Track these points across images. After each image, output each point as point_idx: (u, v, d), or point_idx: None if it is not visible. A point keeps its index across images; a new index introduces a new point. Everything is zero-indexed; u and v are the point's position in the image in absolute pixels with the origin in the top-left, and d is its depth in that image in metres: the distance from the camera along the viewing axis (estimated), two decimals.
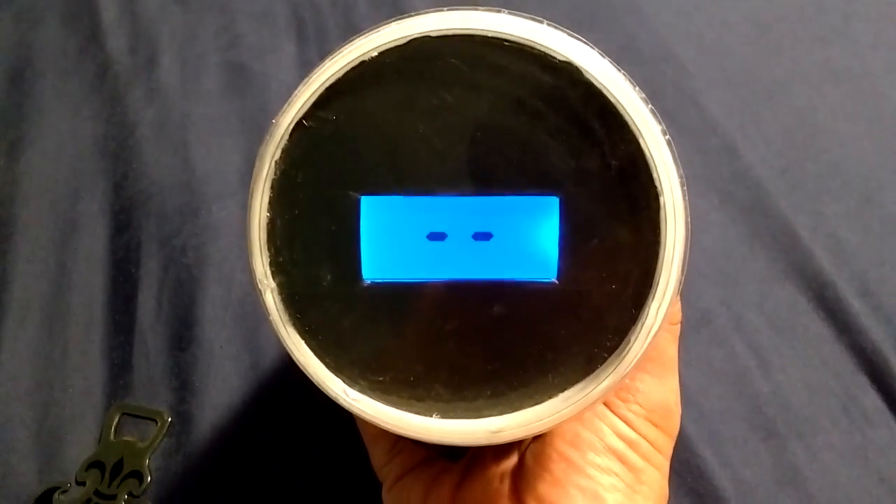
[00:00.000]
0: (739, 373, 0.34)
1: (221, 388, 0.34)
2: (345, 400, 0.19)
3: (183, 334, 0.35)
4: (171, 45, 0.45)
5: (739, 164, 0.40)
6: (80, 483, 0.32)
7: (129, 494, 0.32)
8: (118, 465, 0.32)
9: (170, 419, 0.33)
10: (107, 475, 0.32)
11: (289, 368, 0.34)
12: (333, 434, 0.32)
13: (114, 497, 0.32)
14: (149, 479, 0.32)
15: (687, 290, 0.36)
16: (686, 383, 0.34)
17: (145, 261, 0.38)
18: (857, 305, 0.35)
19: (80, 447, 0.33)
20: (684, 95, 0.42)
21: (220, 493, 0.32)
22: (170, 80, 0.44)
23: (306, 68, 0.45)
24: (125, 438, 0.33)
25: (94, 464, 0.33)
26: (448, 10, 0.19)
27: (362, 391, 0.19)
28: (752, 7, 0.45)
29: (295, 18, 0.47)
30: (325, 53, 0.50)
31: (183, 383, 0.34)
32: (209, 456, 0.33)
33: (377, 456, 0.25)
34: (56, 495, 0.32)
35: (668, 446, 0.23)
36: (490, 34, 0.18)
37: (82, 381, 0.35)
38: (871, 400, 0.34)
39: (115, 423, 0.33)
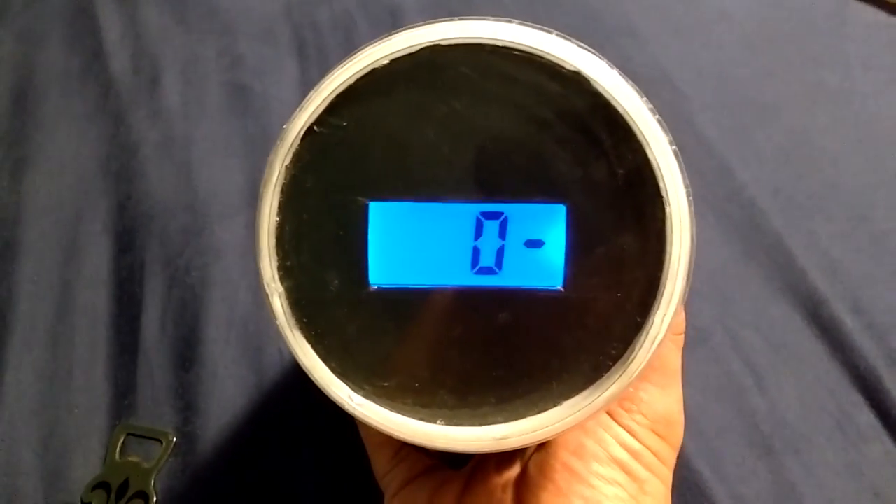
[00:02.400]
0: (736, 390, 0.35)
1: (226, 407, 0.34)
2: (349, 405, 0.19)
3: (187, 354, 0.36)
4: (173, 65, 0.46)
5: (734, 184, 0.40)
6: None
7: None
8: (123, 486, 0.33)
9: (175, 439, 0.34)
10: (112, 496, 0.32)
11: (292, 387, 0.34)
12: (338, 454, 0.32)
13: None
14: (154, 499, 0.32)
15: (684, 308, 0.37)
16: (684, 401, 0.35)
17: (149, 281, 0.38)
18: (849, 323, 0.36)
19: (85, 468, 0.33)
20: (680, 117, 0.43)
21: None
22: (172, 101, 0.44)
23: (308, 88, 0.46)
24: (130, 459, 0.33)
25: (100, 484, 0.33)
26: (459, 19, 0.19)
27: (367, 396, 0.20)
28: (745, 30, 0.46)
29: (296, 39, 0.48)
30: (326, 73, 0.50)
31: (187, 404, 0.34)
32: (214, 476, 0.33)
33: (380, 464, 0.25)
34: None
35: (672, 457, 0.23)
36: (500, 44, 0.19)
37: (87, 401, 0.35)
38: (865, 416, 0.34)
39: (120, 443, 0.34)
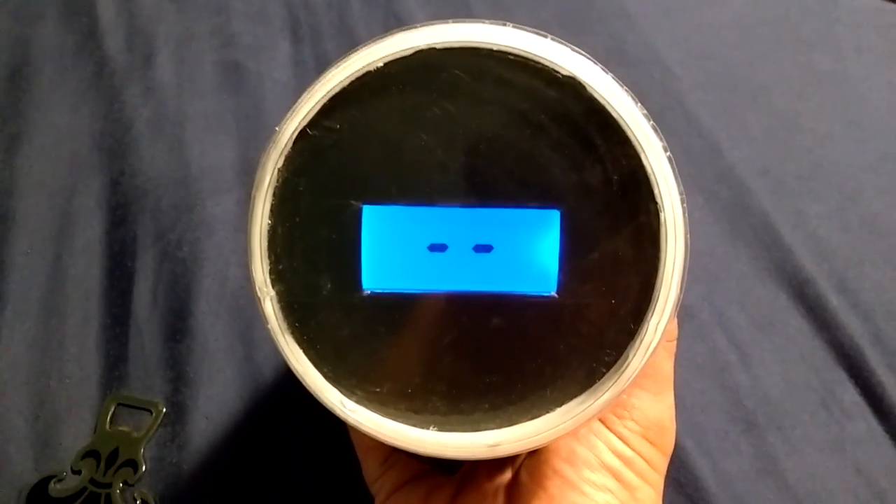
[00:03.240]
0: (720, 367, 0.35)
1: (216, 379, 0.35)
2: (342, 411, 0.19)
3: (178, 326, 0.36)
4: (167, 43, 0.46)
5: (723, 164, 0.41)
6: (76, 472, 0.33)
7: (124, 483, 0.32)
8: (113, 455, 0.33)
9: (164, 410, 0.34)
10: (102, 464, 0.33)
11: (282, 360, 0.35)
12: (327, 422, 0.33)
13: (109, 486, 0.32)
14: (143, 468, 0.33)
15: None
16: None
17: (141, 255, 0.38)
18: (835, 302, 0.36)
19: (75, 437, 0.34)
20: (670, 97, 0.43)
21: (214, 483, 0.33)
22: (166, 78, 0.44)
23: (301, 67, 0.46)
24: (120, 428, 0.34)
25: (90, 453, 0.33)
26: (453, 22, 0.19)
27: (359, 402, 0.19)
28: (737, 11, 0.46)
29: (289, 18, 0.48)
30: (319, 52, 0.50)
31: (178, 374, 0.35)
32: (203, 446, 0.33)
33: (370, 469, 0.25)
34: (52, 484, 0.32)
35: (663, 464, 0.23)
36: (495, 47, 0.18)
37: (78, 371, 0.35)
38: (849, 394, 0.35)
39: (110, 413, 0.34)
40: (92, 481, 0.33)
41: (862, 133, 0.42)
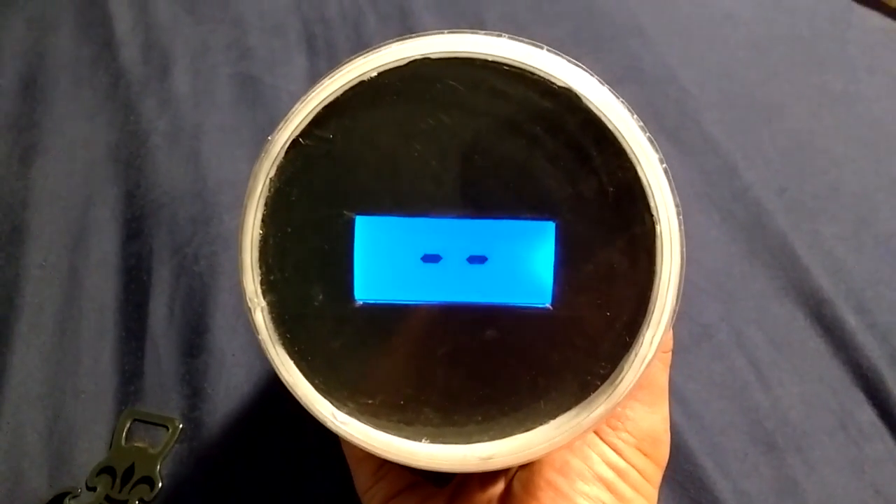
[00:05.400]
0: (739, 387, 0.35)
1: (233, 395, 0.34)
2: (333, 423, 0.19)
3: (194, 342, 0.36)
4: (183, 56, 0.46)
5: (739, 184, 0.41)
6: (91, 488, 0.32)
7: (140, 500, 0.32)
8: (129, 471, 0.33)
9: (181, 426, 0.34)
10: (118, 481, 0.33)
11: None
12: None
13: (125, 503, 0.32)
14: (160, 485, 0.33)
15: (688, 306, 0.37)
16: (687, 397, 0.35)
17: (157, 268, 0.38)
18: (853, 322, 0.36)
19: (90, 453, 0.34)
20: (686, 116, 0.43)
21: (230, 500, 0.32)
22: (182, 91, 0.44)
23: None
24: (136, 444, 0.33)
25: (106, 469, 0.33)
26: (448, 32, 0.19)
27: (351, 414, 0.19)
28: (751, 31, 0.47)
29: (305, 32, 0.48)
30: (334, 67, 0.50)
31: (194, 390, 0.35)
32: (220, 463, 0.33)
33: (361, 479, 0.25)
34: (66, 500, 0.32)
35: (657, 476, 0.23)
36: (490, 58, 0.18)
37: (93, 386, 0.35)
38: (867, 415, 0.35)
39: (126, 428, 0.34)
40: (107, 498, 0.32)
41: (876, 154, 0.42)
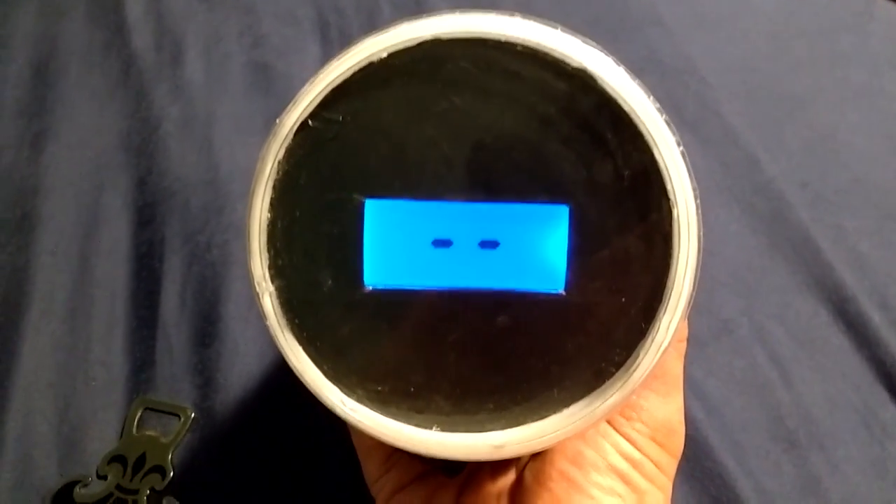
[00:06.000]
0: (761, 383, 0.35)
1: (245, 384, 0.34)
2: (342, 410, 0.19)
3: (206, 330, 0.35)
4: (195, 43, 0.45)
5: (761, 177, 0.40)
6: (102, 477, 0.32)
7: (151, 489, 0.32)
8: (140, 460, 0.32)
9: (193, 415, 0.33)
10: (129, 469, 0.32)
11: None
12: None
13: (136, 492, 0.32)
14: (171, 474, 0.32)
15: (708, 300, 0.37)
16: (708, 392, 0.34)
17: (169, 256, 0.37)
18: (876, 319, 0.36)
19: (101, 441, 0.33)
20: (706, 108, 0.42)
21: (243, 490, 0.32)
22: (194, 78, 0.44)
23: None
24: (148, 433, 0.33)
25: (116, 458, 0.32)
26: (460, 12, 0.18)
27: (360, 401, 0.19)
28: (772, 23, 0.46)
29: (319, 20, 0.47)
30: None
31: (206, 379, 0.34)
32: (232, 452, 0.33)
33: (370, 469, 0.24)
34: (77, 489, 0.32)
35: (672, 467, 0.23)
36: (502, 38, 0.18)
37: (104, 374, 0.35)
38: (891, 413, 0.34)
39: (137, 417, 0.33)
40: (118, 487, 0.32)
41: None
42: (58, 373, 0.34)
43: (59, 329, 0.36)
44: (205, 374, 0.34)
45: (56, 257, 0.38)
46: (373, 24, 0.47)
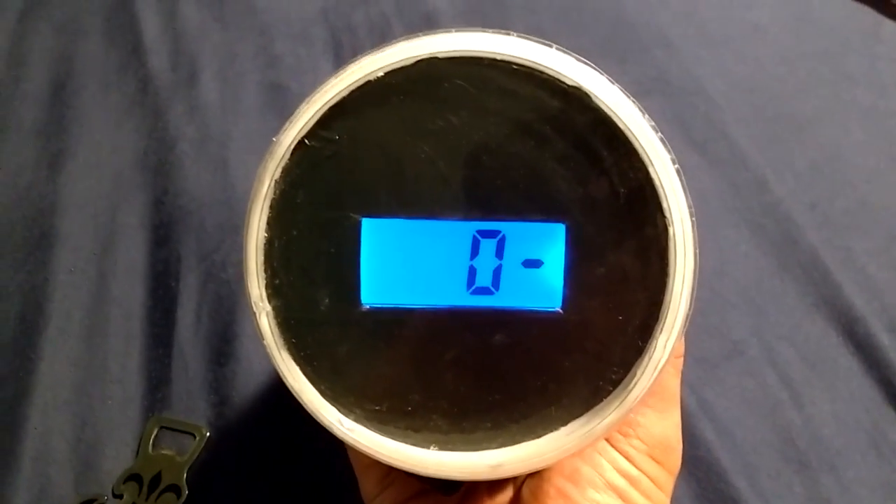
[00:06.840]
0: (772, 404, 0.35)
1: (260, 404, 0.34)
2: (339, 430, 0.19)
3: (222, 349, 0.36)
4: (211, 63, 0.46)
5: (770, 198, 0.40)
6: (118, 496, 0.32)
7: None
8: (156, 479, 0.33)
9: (208, 434, 0.34)
10: (144, 488, 0.32)
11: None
12: None
13: None
14: (186, 493, 0.32)
15: (718, 321, 0.37)
16: (719, 413, 0.35)
17: (185, 275, 0.38)
18: (885, 341, 0.36)
19: (117, 460, 0.33)
20: (714, 128, 0.43)
21: None
22: (210, 98, 0.44)
23: None
24: (163, 452, 0.33)
25: (132, 476, 0.33)
26: (456, 31, 0.18)
27: (357, 420, 0.19)
28: (780, 44, 0.46)
29: (332, 41, 0.48)
30: None
31: (222, 399, 0.34)
32: (247, 472, 0.33)
33: (368, 487, 0.24)
34: None
35: (669, 483, 0.23)
36: (498, 57, 0.18)
37: (120, 393, 0.35)
38: None
39: (153, 436, 0.33)
40: None
41: None
42: (75, 391, 0.35)
43: (76, 347, 0.36)
44: (220, 392, 0.35)
45: (73, 276, 0.38)
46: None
